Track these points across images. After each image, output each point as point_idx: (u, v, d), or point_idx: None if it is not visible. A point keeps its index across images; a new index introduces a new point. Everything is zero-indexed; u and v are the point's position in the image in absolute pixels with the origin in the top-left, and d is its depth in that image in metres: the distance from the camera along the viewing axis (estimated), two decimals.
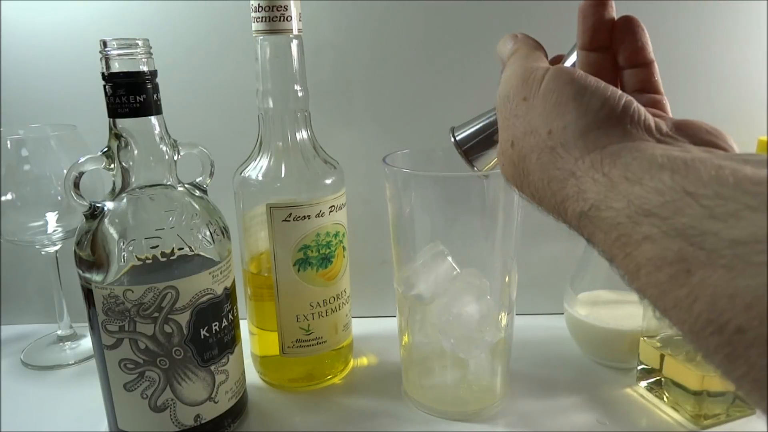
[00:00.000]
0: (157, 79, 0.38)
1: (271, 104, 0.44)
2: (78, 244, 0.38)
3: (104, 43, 0.36)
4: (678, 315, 0.18)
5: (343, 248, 0.48)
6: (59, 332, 0.57)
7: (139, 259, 0.37)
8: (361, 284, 0.56)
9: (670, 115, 0.28)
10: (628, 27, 0.28)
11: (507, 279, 0.43)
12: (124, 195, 0.38)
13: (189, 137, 0.42)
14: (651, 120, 0.23)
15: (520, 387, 0.48)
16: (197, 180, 0.42)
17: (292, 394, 0.48)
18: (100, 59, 0.36)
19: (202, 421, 0.40)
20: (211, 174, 0.43)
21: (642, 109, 0.24)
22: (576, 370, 0.50)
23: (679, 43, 0.53)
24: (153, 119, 0.38)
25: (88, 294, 0.37)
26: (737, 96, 0.55)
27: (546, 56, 0.29)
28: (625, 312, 0.48)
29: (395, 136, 0.56)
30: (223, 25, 0.53)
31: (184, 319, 0.38)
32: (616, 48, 0.29)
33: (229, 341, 0.41)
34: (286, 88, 0.44)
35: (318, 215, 0.45)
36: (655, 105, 0.28)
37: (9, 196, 0.49)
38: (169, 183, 0.39)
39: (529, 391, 0.47)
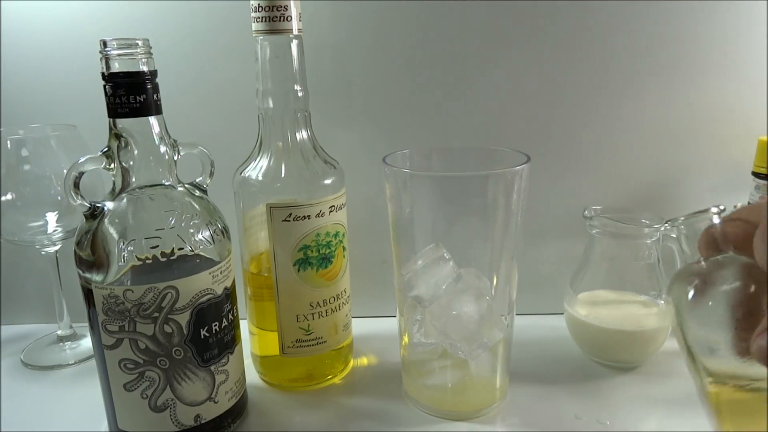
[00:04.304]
0: (157, 79, 0.38)
1: (271, 104, 0.44)
2: (78, 244, 0.38)
3: (104, 43, 0.36)
4: None
5: (343, 248, 0.48)
6: (59, 332, 0.57)
7: (139, 259, 0.37)
8: (361, 284, 0.56)
9: None
10: None
11: (507, 279, 0.43)
12: (124, 195, 0.38)
13: (189, 137, 0.42)
14: None
15: (520, 387, 0.48)
16: (197, 180, 0.42)
17: (292, 394, 0.48)
18: (100, 59, 0.36)
19: (202, 421, 0.40)
20: (211, 174, 0.43)
21: None
22: (576, 370, 0.50)
23: (679, 42, 0.53)
24: (153, 119, 0.38)
25: (88, 294, 0.37)
26: (737, 96, 0.54)
27: None
28: (624, 312, 0.48)
29: (395, 136, 0.56)
30: (223, 25, 0.53)
31: (184, 319, 0.38)
32: None
33: (229, 341, 0.41)
34: (286, 88, 0.44)
35: (318, 215, 0.45)
36: None
37: (9, 196, 0.49)
38: (169, 183, 0.39)
39: (529, 392, 0.47)
